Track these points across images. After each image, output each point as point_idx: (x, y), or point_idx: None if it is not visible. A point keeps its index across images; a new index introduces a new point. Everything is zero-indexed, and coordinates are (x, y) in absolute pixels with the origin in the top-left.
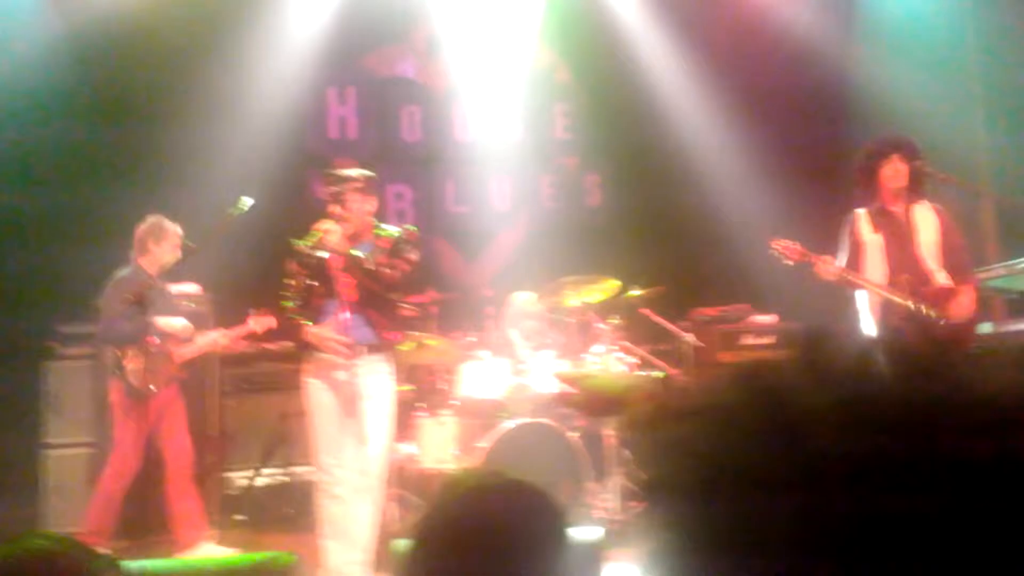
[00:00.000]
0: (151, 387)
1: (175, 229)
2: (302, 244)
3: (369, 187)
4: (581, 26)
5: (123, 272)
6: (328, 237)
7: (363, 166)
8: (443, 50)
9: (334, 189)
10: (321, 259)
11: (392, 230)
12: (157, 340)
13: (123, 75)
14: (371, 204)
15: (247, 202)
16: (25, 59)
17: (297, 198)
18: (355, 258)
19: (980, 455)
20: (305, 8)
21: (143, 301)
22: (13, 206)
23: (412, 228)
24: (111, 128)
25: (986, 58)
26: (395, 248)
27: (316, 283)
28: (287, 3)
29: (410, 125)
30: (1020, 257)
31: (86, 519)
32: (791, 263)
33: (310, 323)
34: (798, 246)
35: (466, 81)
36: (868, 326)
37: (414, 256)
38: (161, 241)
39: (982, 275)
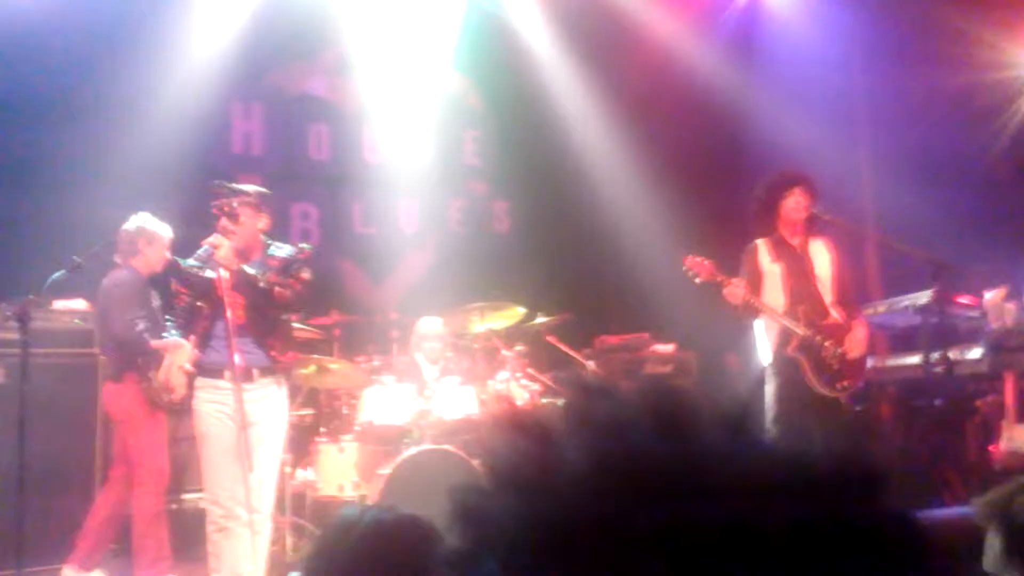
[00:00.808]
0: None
1: (167, 231)
2: (187, 263)
3: (262, 203)
4: (493, 53)
5: (121, 274)
6: (217, 252)
7: (268, 183)
8: (354, 69)
9: (225, 202)
10: (207, 278)
11: (285, 248)
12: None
13: (20, 76)
14: (263, 221)
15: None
16: None
17: (196, 212)
18: (245, 274)
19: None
20: (213, 19)
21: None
22: None
23: (306, 247)
24: (7, 133)
25: (872, 107)
26: (287, 267)
27: (201, 303)
28: (193, 14)
29: (318, 143)
30: (900, 295)
31: (141, 551)
32: (700, 281)
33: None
34: (710, 265)
35: (377, 101)
36: (764, 354)
37: (307, 275)
38: (154, 243)
39: (867, 312)
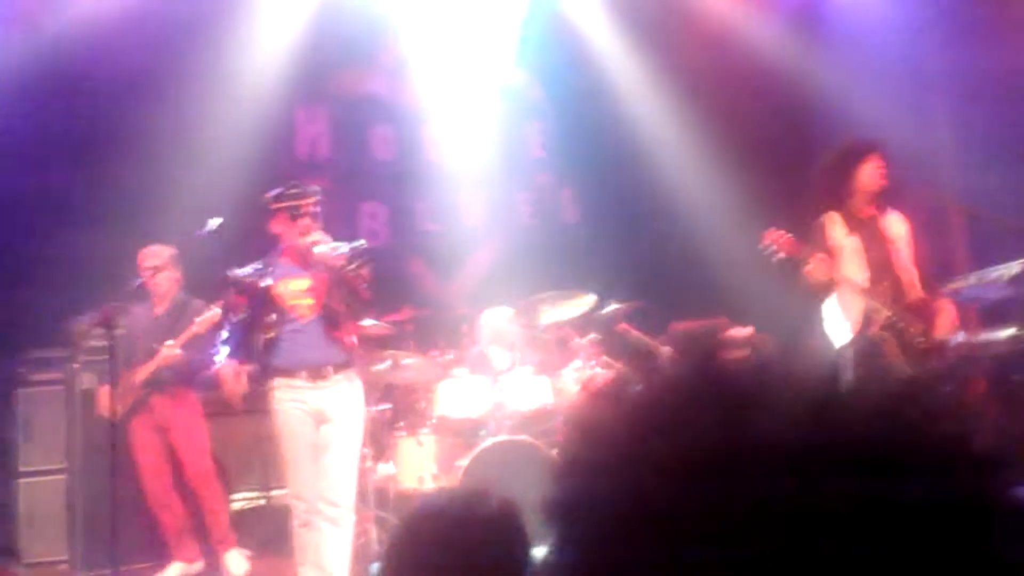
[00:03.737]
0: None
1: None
2: (243, 272)
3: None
4: (554, 44)
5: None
6: (321, 247)
7: (335, 185)
8: (414, 68)
9: (306, 201)
10: (265, 286)
11: (341, 247)
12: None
13: (91, 100)
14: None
15: (216, 222)
16: None
17: (265, 216)
18: (339, 263)
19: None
20: (273, 28)
21: None
22: None
23: (361, 243)
24: (85, 159)
25: (948, 69)
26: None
27: (261, 311)
28: (255, 23)
29: (382, 144)
30: (990, 266)
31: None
32: (782, 257)
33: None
34: (791, 240)
35: (438, 99)
36: (842, 334)
37: (366, 271)
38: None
39: (956, 285)
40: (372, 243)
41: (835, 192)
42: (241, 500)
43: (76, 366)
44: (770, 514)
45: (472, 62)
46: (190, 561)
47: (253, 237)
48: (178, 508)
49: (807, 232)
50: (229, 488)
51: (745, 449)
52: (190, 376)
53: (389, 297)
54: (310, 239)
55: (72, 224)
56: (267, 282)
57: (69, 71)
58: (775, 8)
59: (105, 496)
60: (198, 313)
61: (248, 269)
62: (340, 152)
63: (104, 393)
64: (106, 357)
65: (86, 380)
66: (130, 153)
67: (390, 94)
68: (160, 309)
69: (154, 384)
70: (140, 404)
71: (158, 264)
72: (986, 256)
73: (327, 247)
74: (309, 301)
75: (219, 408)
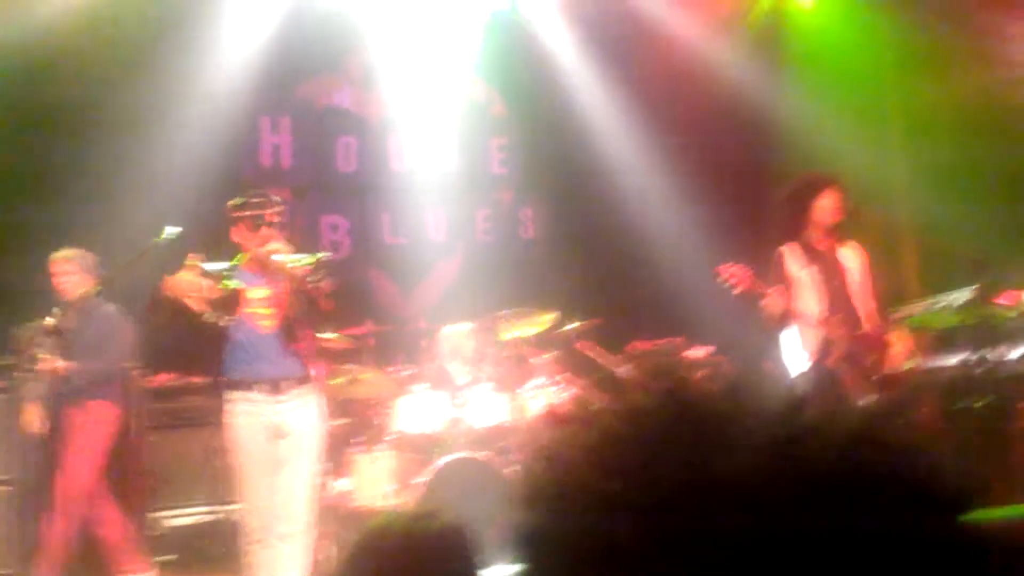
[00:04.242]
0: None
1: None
2: (210, 267)
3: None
4: (517, 60)
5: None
6: (276, 258)
7: (297, 195)
8: (379, 80)
9: (269, 210)
10: (234, 289)
11: (304, 259)
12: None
13: (49, 90)
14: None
15: (172, 231)
16: None
17: (226, 225)
18: (302, 279)
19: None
20: (239, 34)
21: None
22: None
23: (322, 255)
24: (36, 144)
25: (906, 94)
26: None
27: (227, 316)
28: (221, 27)
29: (346, 155)
30: (939, 294)
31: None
32: (739, 290)
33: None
34: (748, 274)
35: (402, 112)
36: (799, 364)
37: (327, 284)
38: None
39: (906, 311)
40: (333, 255)
41: (792, 224)
42: (193, 515)
43: (21, 374)
44: (737, 549)
45: (435, 74)
46: (136, 574)
47: (212, 244)
48: (110, 521)
49: (768, 259)
50: (178, 502)
51: (712, 484)
52: (96, 388)
53: (349, 310)
54: (271, 248)
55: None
56: (236, 284)
57: (35, 64)
58: (736, 32)
59: (49, 509)
60: (106, 322)
61: (219, 266)
62: (303, 162)
63: (31, 408)
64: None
65: (35, 389)
66: (93, 137)
67: (354, 105)
68: (68, 316)
69: (60, 396)
70: (55, 416)
71: (67, 269)
72: (935, 284)
73: (288, 258)
74: (268, 311)
75: (170, 420)
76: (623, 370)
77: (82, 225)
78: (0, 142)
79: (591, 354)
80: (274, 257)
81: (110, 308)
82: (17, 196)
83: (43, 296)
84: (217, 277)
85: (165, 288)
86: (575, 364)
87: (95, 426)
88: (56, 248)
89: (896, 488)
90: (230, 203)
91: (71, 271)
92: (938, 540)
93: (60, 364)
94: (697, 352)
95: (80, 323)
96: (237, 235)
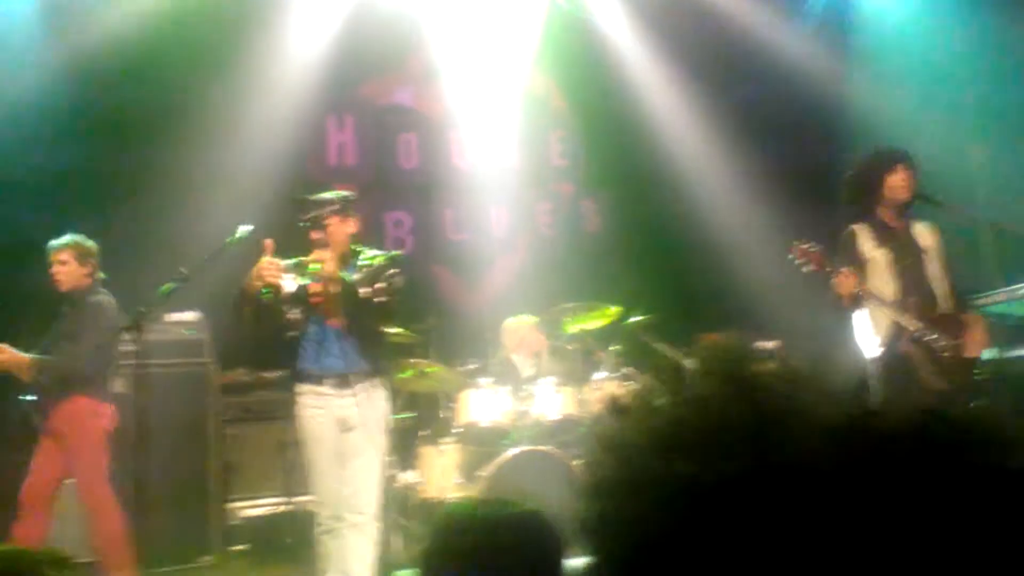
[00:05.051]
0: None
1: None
2: (283, 263)
3: (347, 209)
4: (576, 53)
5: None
6: (325, 267)
7: (362, 193)
8: (440, 77)
9: (313, 214)
10: (302, 285)
11: (377, 255)
12: None
13: (122, 98)
14: (351, 226)
15: (245, 230)
16: (24, 82)
17: (297, 222)
18: (347, 286)
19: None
20: (303, 35)
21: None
22: (11, 228)
23: (396, 253)
24: (110, 151)
25: (981, 81)
26: (378, 274)
27: (299, 314)
28: (286, 30)
29: (407, 152)
30: (1019, 283)
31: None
32: (810, 270)
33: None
34: (819, 253)
35: (463, 108)
36: (871, 348)
37: (399, 281)
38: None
39: (982, 301)
40: (385, 250)
41: (863, 202)
42: (266, 506)
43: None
44: (803, 533)
45: (495, 69)
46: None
47: (283, 241)
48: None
49: (836, 244)
50: (252, 493)
51: (775, 469)
52: (81, 383)
53: (414, 307)
54: (314, 256)
55: (102, 216)
56: (305, 280)
57: (111, 65)
58: (799, 15)
59: (130, 501)
60: (93, 317)
61: (291, 262)
62: (366, 160)
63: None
64: (133, 362)
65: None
66: (165, 142)
67: (415, 102)
68: (66, 307)
69: (44, 390)
70: (40, 408)
71: (62, 259)
72: (1015, 271)
73: (364, 255)
74: (337, 306)
75: (244, 414)
76: (689, 362)
77: (161, 228)
78: (78, 145)
79: (656, 347)
80: (355, 258)
81: (98, 298)
82: (85, 204)
83: (126, 296)
84: (293, 271)
85: (247, 284)
86: (640, 357)
87: (81, 422)
88: (133, 250)
89: (968, 472)
90: (308, 198)
91: (65, 260)
92: (1012, 522)
93: (25, 357)
94: (765, 344)
95: (69, 314)
96: (313, 239)
